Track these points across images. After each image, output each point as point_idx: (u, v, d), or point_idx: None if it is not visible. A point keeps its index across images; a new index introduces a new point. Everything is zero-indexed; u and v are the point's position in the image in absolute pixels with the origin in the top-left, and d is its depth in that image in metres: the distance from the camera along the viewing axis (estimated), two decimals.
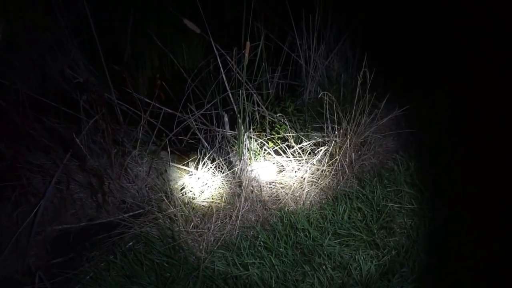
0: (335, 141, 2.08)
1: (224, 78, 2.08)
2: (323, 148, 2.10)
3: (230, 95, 2.13)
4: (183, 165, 2.23)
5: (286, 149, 2.18)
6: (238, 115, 1.99)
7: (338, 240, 1.74)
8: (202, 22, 2.05)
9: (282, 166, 2.15)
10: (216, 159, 2.09)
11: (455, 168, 2.05)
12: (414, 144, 2.24)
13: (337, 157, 2.04)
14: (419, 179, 2.00)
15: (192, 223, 1.79)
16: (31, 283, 1.62)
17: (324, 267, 1.63)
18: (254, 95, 2.31)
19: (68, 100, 2.25)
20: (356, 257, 1.66)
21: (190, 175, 2.13)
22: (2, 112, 1.90)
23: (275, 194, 2.00)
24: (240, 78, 2.32)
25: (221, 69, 2.08)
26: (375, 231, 1.77)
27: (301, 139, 2.32)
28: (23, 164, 1.85)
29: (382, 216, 1.83)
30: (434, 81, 2.42)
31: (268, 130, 2.48)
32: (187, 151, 2.34)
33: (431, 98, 2.34)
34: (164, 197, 1.81)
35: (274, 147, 2.27)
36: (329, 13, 2.67)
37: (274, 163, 2.18)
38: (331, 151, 2.06)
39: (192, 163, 2.25)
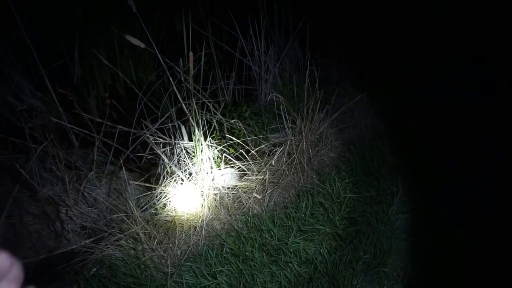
0: (291, 140, 2.11)
1: (175, 90, 2.06)
2: (280, 148, 2.12)
3: (184, 106, 2.12)
4: (144, 181, 2.19)
5: (245, 153, 2.20)
6: (194, 125, 1.99)
7: (303, 236, 1.77)
8: (148, 36, 2.03)
9: (243, 170, 2.16)
10: (176, 171, 2.07)
11: (408, 152, 2.14)
12: (367, 134, 2.31)
13: (295, 155, 2.08)
14: (374, 167, 2.06)
15: (156, 239, 1.77)
16: None
17: (290, 265, 1.65)
18: (209, 103, 2.31)
19: (15, 130, 2.17)
20: (321, 250, 1.69)
21: (151, 191, 2.10)
22: None
23: (238, 200, 2.01)
24: (190, 88, 2.32)
25: (171, 81, 2.06)
26: (337, 223, 1.81)
27: (260, 142, 2.34)
28: None
29: (342, 207, 1.88)
30: (380, 72, 2.51)
31: (227, 137, 2.49)
32: (147, 167, 2.31)
33: (379, 88, 2.43)
34: (124, 217, 1.77)
35: (234, 153, 2.28)
36: (274, 15, 2.72)
37: (235, 169, 2.18)
38: (288, 150, 2.09)
39: (152, 178, 2.22)
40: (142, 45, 1.91)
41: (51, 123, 1.97)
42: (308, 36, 2.75)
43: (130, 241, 1.74)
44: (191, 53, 1.79)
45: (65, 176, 1.91)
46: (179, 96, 2.12)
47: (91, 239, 1.87)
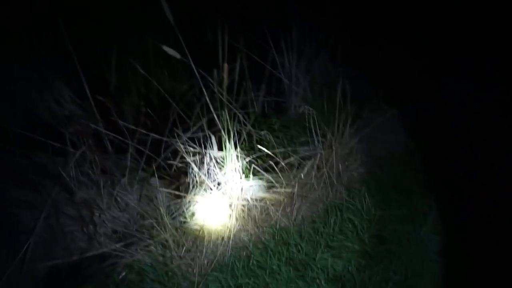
0: (321, 153, 2.11)
1: (208, 100, 2.11)
2: (310, 162, 2.12)
3: (215, 116, 2.16)
4: (173, 189, 2.24)
5: (274, 165, 2.20)
6: (225, 135, 2.02)
7: (331, 252, 1.75)
8: (183, 47, 2.10)
9: (272, 182, 2.17)
10: (206, 181, 2.10)
11: (441, 170, 2.08)
12: (399, 150, 2.27)
13: (324, 169, 2.06)
14: (405, 184, 2.02)
15: (184, 248, 1.79)
16: None
17: (318, 281, 1.63)
18: (239, 114, 2.35)
19: (55, 134, 2.27)
20: (349, 268, 1.67)
21: (180, 199, 2.14)
22: None
23: (266, 212, 2.01)
24: (223, 99, 2.37)
25: (204, 91, 2.11)
26: (366, 240, 1.78)
27: (289, 154, 2.35)
28: (11, 201, 1.86)
29: (372, 225, 1.84)
30: (415, 86, 2.48)
31: (255, 148, 2.51)
32: (177, 175, 2.36)
33: (413, 104, 2.39)
34: (155, 224, 1.81)
35: (262, 165, 2.30)
36: (306, 28, 2.74)
37: (263, 180, 2.19)
38: (317, 164, 2.09)
39: (182, 186, 2.26)
40: (178, 56, 1.98)
41: (89, 129, 2.06)
42: (340, 50, 2.75)
43: (159, 248, 1.78)
44: (226, 64, 1.84)
45: (100, 180, 1.99)
46: (211, 107, 2.17)
47: (121, 243, 1.93)
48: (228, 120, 2.03)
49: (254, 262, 1.74)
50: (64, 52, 2.50)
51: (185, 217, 1.98)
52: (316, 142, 2.32)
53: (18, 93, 2.54)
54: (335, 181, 2.10)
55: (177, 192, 2.20)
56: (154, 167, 2.20)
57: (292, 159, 2.19)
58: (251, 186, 2.14)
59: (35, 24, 2.46)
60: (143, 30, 2.96)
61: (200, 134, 2.27)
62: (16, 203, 1.87)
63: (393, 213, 1.90)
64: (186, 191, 2.15)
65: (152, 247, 1.77)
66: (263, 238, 1.87)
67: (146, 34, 2.91)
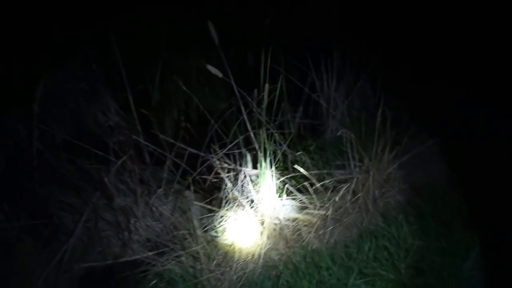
0: (357, 178, 2.08)
1: (246, 119, 2.16)
2: (345, 185, 2.09)
3: (252, 134, 2.20)
4: (207, 203, 2.28)
5: (308, 187, 2.19)
6: (260, 154, 2.05)
7: (364, 280, 1.69)
8: (225, 67, 2.19)
9: (305, 203, 2.15)
10: (239, 197, 2.13)
11: (485, 203, 1.99)
12: (440, 180, 2.19)
13: (360, 194, 2.03)
14: (446, 216, 1.94)
15: (215, 261, 1.80)
16: None
17: None
18: (275, 134, 2.38)
19: (99, 143, 2.40)
20: None
21: (213, 213, 2.17)
22: (40, 154, 2.04)
23: (298, 232, 1.99)
24: (261, 118, 2.41)
25: (243, 110, 2.17)
26: (402, 270, 1.71)
27: (324, 177, 2.33)
28: (55, 203, 1.96)
29: (409, 254, 1.77)
30: (457, 115, 2.41)
31: (290, 168, 2.51)
32: (211, 190, 2.39)
33: (454, 134, 2.32)
34: (187, 235, 1.84)
35: (296, 185, 2.29)
36: (347, 53, 2.77)
37: (296, 201, 2.18)
38: (353, 188, 2.05)
39: (215, 201, 2.29)
40: (220, 75, 2.06)
41: (130, 140, 2.16)
42: (380, 75, 2.75)
43: (190, 259, 1.80)
44: (267, 85, 1.89)
45: (138, 189, 2.06)
46: (248, 125, 2.22)
47: (154, 252, 1.97)
48: (265, 139, 2.06)
49: (284, 283, 1.71)
50: (113, 67, 2.67)
51: (216, 232, 2.00)
52: (352, 166, 2.30)
53: (69, 102, 2.72)
54: (370, 207, 2.06)
55: (210, 207, 2.24)
56: (189, 180, 2.26)
57: (327, 181, 2.17)
58: (284, 205, 2.14)
59: (88, 39, 2.65)
60: (187, 49, 3.11)
61: (236, 152, 2.32)
62: (59, 205, 1.97)
63: (432, 244, 1.82)
64: (219, 206, 2.18)
65: (183, 258, 1.79)
66: (293, 259, 1.85)
67: (190, 53, 3.06)
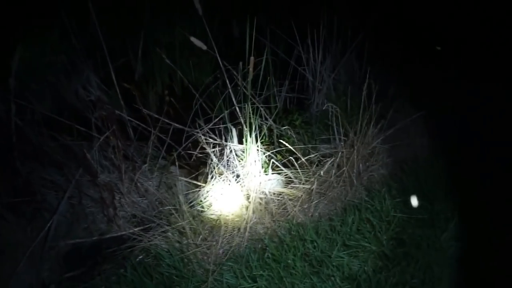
0: (342, 152, 2.08)
1: (231, 93, 2.12)
2: (330, 160, 2.10)
3: (237, 109, 2.17)
4: (192, 178, 2.27)
5: (294, 161, 2.20)
6: (246, 129, 2.03)
7: (347, 251, 1.73)
8: (209, 39, 2.12)
9: (290, 178, 2.16)
10: (224, 172, 2.12)
11: (466, 176, 2.03)
12: (423, 154, 2.22)
13: (345, 168, 2.04)
14: (427, 188, 1.98)
15: (201, 236, 1.81)
16: None
17: (333, 279, 1.62)
18: (261, 108, 2.35)
19: (81, 118, 2.33)
20: (365, 268, 1.65)
21: (199, 188, 2.17)
22: (19, 131, 1.98)
23: (283, 206, 2.01)
24: (246, 92, 2.37)
25: (228, 84, 2.12)
26: (384, 242, 1.75)
27: (309, 151, 2.34)
28: (37, 180, 1.92)
29: (391, 227, 1.81)
30: (441, 90, 2.41)
31: (276, 143, 2.51)
32: (196, 165, 2.38)
33: (439, 107, 2.33)
34: (173, 211, 1.84)
35: (282, 160, 2.29)
36: (334, 26, 2.71)
37: (282, 175, 2.19)
38: (338, 162, 2.07)
39: (201, 176, 2.29)
40: (204, 47, 1.99)
41: (113, 115, 2.10)
42: (367, 49, 2.71)
43: (176, 234, 1.80)
44: (252, 57, 1.84)
45: (122, 165, 2.03)
46: (233, 99, 2.18)
47: (139, 228, 1.96)
48: (250, 114, 2.03)
49: (269, 255, 1.74)
50: (93, 40, 2.56)
51: (202, 207, 2.00)
52: (337, 140, 2.30)
53: (48, 76, 2.62)
54: (355, 181, 2.08)
55: (195, 182, 2.23)
56: (174, 155, 2.23)
57: (312, 156, 2.18)
58: (269, 180, 2.14)
59: (66, 11, 2.52)
60: (170, 20, 3.00)
61: (222, 126, 2.29)
62: (42, 182, 1.93)
63: (413, 216, 1.86)
64: (205, 181, 2.18)
65: (169, 233, 1.80)
66: (279, 232, 1.87)
67: (173, 24, 2.95)
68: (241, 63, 2.28)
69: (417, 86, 2.45)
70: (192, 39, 1.95)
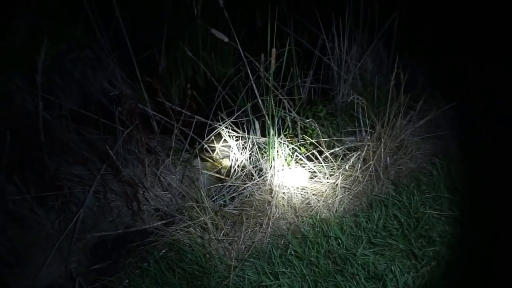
0: (369, 145, 1.99)
1: (254, 85, 2.07)
2: (356, 153, 2.02)
3: (260, 101, 2.11)
4: (215, 172, 2.25)
5: (317, 154, 2.13)
6: (269, 121, 1.97)
7: (373, 249, 1.66)
8: (232, 31, 2.07)
9: (314, 172, 2.10)
10: (247, 166, 2.08)
11: (500, 172, 1.89)
12: (454, 147, 2.09)
13: (371, 162, 1.95)
14: (460, 184, 1.86)
15: (223, 231, 1.79)
16: None
17: (357, 278, 1.55)
18: (284, 100, 2.28)
19: (106, 112, 2.36)
20: (392, 267, 1.57)
21: (222, 182, 2.15)
22: (47, 126, 2.01)
23: (306, 201, 1.95)
24: (268, 84, 2.30)
25: (250, 76, 2.07)
26: (412, 240, 1.66)
27: (334, 144, 2.26)
28: (64, 175, 1.95)
29: (420, 224, 1.72)
30: (475, 80, 2.25)
31: (299, 136, 2.44)
32: (219, 159, 2.36)
33: (471, 98, 2.18)
34: (195, 206, 1.82)
35: (306, 153, 2.23)
36: (360, 14, 2.58)
37: (305, 169, 2.13)
38: (364, 156, 1.98)
39: (223, 170, 2.26)
40: (226, 39, 1.94)
41: (137, 109, 2.09)
42: (395, 37, 2.57)
43: (198, 229, 1.79)
44: (274, 49, 1.77)
45: (145, 159, 2.03)
46: (256, 92, 2.12)
47: (163, 221, 1.97)
48: (273, 106, 1.97)
49: (292, 252, 1.70)
50: (117, 34, 2.56)
51: (225, 201, 1.97)
52: (363, 132, 2.21)
53: (74, 71, 2.65)
54: (381, 175, 1.99)
55: (218, 175, 2.21)
56: (197, 149, 2.22)
57: (337, 149, 2.10)
58: (293, 174, 2.09)
59: (91, 5, 2.53)
60: (192, 13, 2.96)
61: (244, 119, 2.24)
62: (69, 177, 1.97)
63: (444, 213, 1.76)
64: (228, 175, 2.15)
65: (192, 229, 1.79)
66: (302, 228, 1.82)
67: (195, 17, 2.91)
68: (262, 55, 2.22)
69: (449, 75, 2.30)
70: (214, 31, 1.90)
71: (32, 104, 2.16)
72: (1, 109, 2.13)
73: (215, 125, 2.22)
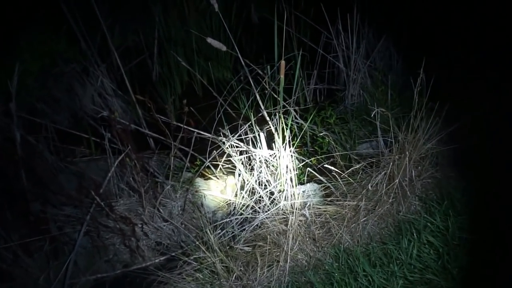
0: (391, 158, 1.61)
1: (257, 97, 1.67)
2: (377, 168, 1.64)
3: (265, 113, 1.72)
4: (220, 192, 1.89)
5: (331, 167, 1.73)
6: (279, 135, 1.59)
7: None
8: (227, 35, 1.67)
9: (328, 187, 1.73)
10: (256, 188, 1.70)
11: None
12: (488, 157, 1.71)
13: (397, 179, 1.58)
14: (502, 200, 1.49)
15: (235, 274, 1.43)
16: None
17: None
18: (290, 108, 1.88)
19: (97, 129, 1.98)
20: None
21: (228, 204, 1.79)
22: (29, 161, 1.62)
23: (326, 227, 1.59)
24: (276, 96, 1.91)
25: (253, 87, 1.67)
26: (455, 274, 1.31)
27: (349, 156, 1.89)
28: (51, 215, 1.58)
29: (461, 253, 1.36)
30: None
31: (309, 144, 2.07)
32: (223, 176, 1.99)
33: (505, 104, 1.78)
34: (201, 245, 1.45)
35: (317, 165, 1.87)
36: (367, 8, 2.16)
37: (320, 186, 1.76)
38: (388, 173, 1.60)
39: (229, 188, 1.90)
40: (224, 48, 1.53)
41: (129, 131, 1.70)
42: (407, 33, 2.17)
43: (206, 274, 1.43)
44: (282, 62, 1.36)
45: (141, 188, 1.65)
46: (260, 104, 1.72)
47: (165, 256, 1.62)
48: (283, 122, 1.59)
49: None
50: (105, 45, 2.16)
51: (234, 236, 1.60)
52: (381, 141, 1.82)
53: (60, 87, 2.24)
54: (408, 192, 1.62)
55: (224, 196, 1.85)
56: (201, 169, 1.85)
57: (356, 166, 1.71)
58: (304, 191, 1.73)
59: (73, 15, 2.10)
60: (185, 18, 2.53)
61: (250, 136, 1.85)
62: (56, 217, 1.60)
63: (487, 238, 1.40)
64: (234, 194, 1.79)
65: (200, 275, 1.42)
66: (324, 261, 1.46)
67: (188, 22, 2.49)
68: (269, 67, 1.84)
69: (479, 79, 1.90)
70: (209, 40, 1.49)
71: (7, 140, 1.74)
72: None
73: (216, 140, 1.85)
